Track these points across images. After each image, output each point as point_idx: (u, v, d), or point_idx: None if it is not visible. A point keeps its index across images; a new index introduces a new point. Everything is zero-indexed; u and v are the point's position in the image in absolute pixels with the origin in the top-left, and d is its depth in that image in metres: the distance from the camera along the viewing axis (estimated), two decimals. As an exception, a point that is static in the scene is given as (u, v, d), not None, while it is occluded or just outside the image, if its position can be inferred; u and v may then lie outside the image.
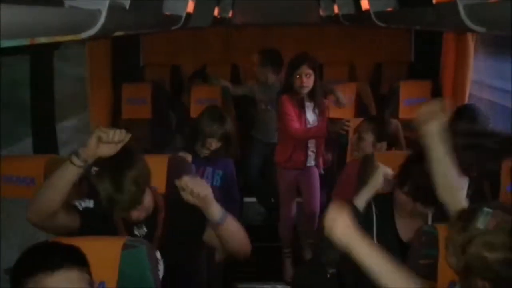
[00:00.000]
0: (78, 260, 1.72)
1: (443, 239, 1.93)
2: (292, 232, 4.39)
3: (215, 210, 2.18)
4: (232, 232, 2.22)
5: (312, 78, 3.97)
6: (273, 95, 4.68)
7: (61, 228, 2.25)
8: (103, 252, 2.01)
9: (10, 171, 2.78)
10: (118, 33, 1.77)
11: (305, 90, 3.97)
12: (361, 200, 2.47)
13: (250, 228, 3.65)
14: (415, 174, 2.35)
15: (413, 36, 6.00)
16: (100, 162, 2.15)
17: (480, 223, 1.60)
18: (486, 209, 1.61)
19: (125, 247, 2.02)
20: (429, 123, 2.01)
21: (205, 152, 3.47)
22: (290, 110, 3.98)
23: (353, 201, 2.48)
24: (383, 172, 2.47)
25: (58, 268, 1.64)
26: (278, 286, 4.28)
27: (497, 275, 1.61)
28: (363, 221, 2.45)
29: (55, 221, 2.20)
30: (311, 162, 4.15)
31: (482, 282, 1.65)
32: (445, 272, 1.92)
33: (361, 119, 3.62)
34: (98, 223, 2.29)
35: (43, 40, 1.14)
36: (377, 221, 2.48)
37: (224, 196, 3.58)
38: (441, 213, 2.31)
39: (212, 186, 3.35)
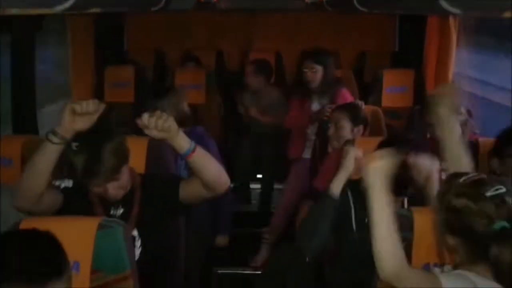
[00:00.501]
0: (65, 268, 1.63)
1: (418, 223, 1.96)
2: (285, 221, 4.37)
3: (182, 141, 2.14)
4: (204, 161, 2.18)
5: (319, 73, 4.04)
6: (263, 103, 4.79)
7: (46, 209, 2.23)
8: (78, 232, 2.00)
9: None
10: (95, 10, 1.75)
11: (312, 85, 4.09)
12: (336, 187, 2.46)
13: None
14: None
15: (397, 25, 6.01)
16: (80, 137, 2.13)
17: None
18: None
19: (100, 227, 2.01)
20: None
21: None
22: (293, 101, 4.20)
23: (328, 190, 2.47)
24: (354, 155, 2.46)
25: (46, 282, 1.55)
26: (258, 271, 4.28)
27: (465, 228, 1.63)
28: (341, 210, 2.48)
29: (41, 204, 2.17)
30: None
31: (453, 238, 1.68)
32: (419, 255, 1.94)
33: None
34: (75, 202, 2.28)
35: (14, 11, 1.12)
36: (355, 209, 2.49)
37: None
38: (419, 200, 2.34)
39: (187, 168, 3.37)
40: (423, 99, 4.62)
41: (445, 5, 1.26)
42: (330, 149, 3.57)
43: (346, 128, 3.44)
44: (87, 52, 4.74)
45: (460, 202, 1.64)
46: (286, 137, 4.47)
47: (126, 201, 2.32)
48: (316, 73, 4.07)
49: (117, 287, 2.04)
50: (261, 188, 5.25)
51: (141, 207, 2.32)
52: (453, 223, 1.66)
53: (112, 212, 2.32)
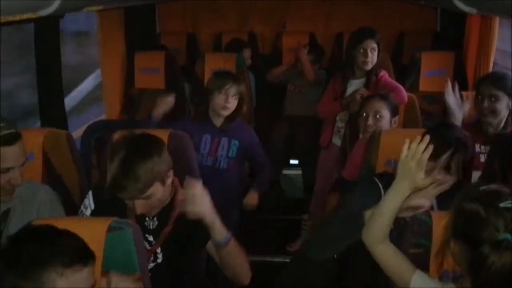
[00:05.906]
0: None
1: (437, 228, 1.86)
2: (321, 208, 4.27)
3: (217, 231, 2.10)
4: (231, 259, 2.16)
5: (375, 54, 3.83)
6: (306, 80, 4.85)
7: None
8: (88, 234, 1.95)
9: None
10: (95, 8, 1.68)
11: (368, 66, 3.83)
12: None
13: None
14: None
15: (439, 3, 5.73)
16: (122, 147, 2.11)
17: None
18: None
19: (110, 229, 1.97)
20: None
21: (219, 118, 3.38)
22: (330, 89, 3.98)
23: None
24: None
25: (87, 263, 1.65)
26: (288, 260, 4.21)
27: (468, 233, 1.61)
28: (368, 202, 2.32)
29: None
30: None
31: (455, 243, 1.67)
32: (438, 262, 1.82)
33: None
34: (111, 207, 2.25)
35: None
36: None
37: (240, 167, 3.51)
38: None
39: (228, 157, 3.32)
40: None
41: (461, 5, 1.14)
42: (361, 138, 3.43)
43: (386, 118, 3.28)
44: (117, 35, 4.71)
45: (471, 207, 1.61)
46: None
47: (162, 215, 2.28)
48: (374, 54, 3.82)
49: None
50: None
51: (174, 228, 2.27)
52: (459, 227, 1.64)
53: (146, 223, 2.29)
